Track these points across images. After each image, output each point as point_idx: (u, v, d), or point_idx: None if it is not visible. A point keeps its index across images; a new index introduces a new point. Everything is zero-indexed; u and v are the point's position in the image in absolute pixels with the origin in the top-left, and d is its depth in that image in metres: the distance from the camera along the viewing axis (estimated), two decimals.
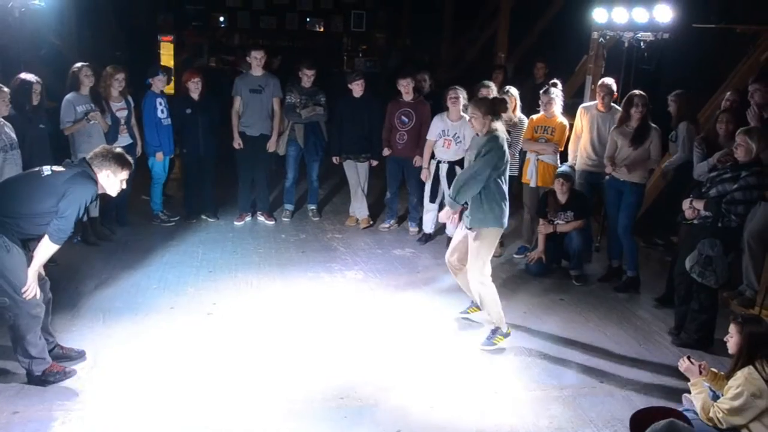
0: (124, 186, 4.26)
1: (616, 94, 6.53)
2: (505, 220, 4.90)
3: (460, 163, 6.67)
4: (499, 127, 4.82)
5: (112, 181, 4.14)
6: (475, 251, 4.84)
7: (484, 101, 4.95)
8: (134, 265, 6.10)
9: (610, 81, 6.55)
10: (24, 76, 5.69)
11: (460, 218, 5.02)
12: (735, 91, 6.05)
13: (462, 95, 6.61)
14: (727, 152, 5.28)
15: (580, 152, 6.62)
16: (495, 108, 4.82)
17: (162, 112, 6.99)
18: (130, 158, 4.23)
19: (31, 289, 3.99)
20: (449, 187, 6.74)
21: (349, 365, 4.60)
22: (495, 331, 4.91)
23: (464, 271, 5.10)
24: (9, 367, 4.30)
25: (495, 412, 4.12)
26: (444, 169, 6.73)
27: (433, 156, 6.80)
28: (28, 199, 3.93)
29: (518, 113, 6.74)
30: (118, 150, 4.20)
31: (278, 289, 5.78)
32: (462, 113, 6.61)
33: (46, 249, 3.99)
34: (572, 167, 6.49)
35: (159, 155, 7.03)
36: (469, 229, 4.86)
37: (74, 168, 4.06)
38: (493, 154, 4.69)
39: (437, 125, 6.71)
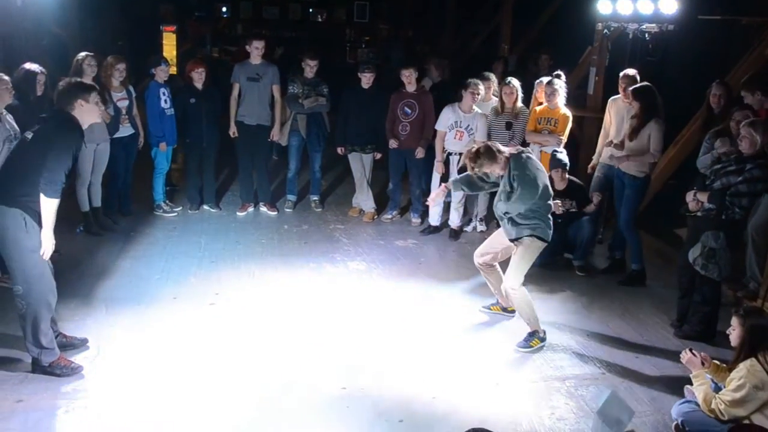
0: (102, 106, 4.22)
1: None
2: (550, 233, 4.82)
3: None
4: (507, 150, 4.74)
5: (87, 108, 4.10)
6: (518, 260, 4.78)
7: (475, 157, 4.66)
8: (137, 256, 6.11)
9: (633, 72, 6.40)
10: (28, 66, 5.67)
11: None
12: (719, 84, 5.98)
13: (482, 91, 6.64)
14: (721, 131, 5.30)
15: (606, 145, 6.49)
16: (490, 154, 4.64)
17: (165, 102, 6.97)
18: (88, 81, 4.21)
19: (48, 252, 3.98)
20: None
21: (352, 355, 4.61)
22: (532, 335, 4.84)
23: (495, 270, 5.13)
24: (13, 356, 4.32)
25: (497, 403, 4.13)
26: (455, 161, 6.72)
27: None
28: (26, 168, 3.92)
29: (519, 104, 6.71)
30: (72, 80, 4.16)
31: (280, 280, 5.79)
32: (474, 107, 6.61)
33: (46, 207, 3.93)
34: (560, 152, 6.42)
35: (162, 146, 7.03)
36: (516, 240, 4.79)
37: (49, 122, 4.03)
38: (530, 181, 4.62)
39: (448, 116, 6.67)
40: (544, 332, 4.86)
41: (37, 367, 4.16)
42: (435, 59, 8.31)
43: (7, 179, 4.01)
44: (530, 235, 4.73)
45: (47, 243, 3.99)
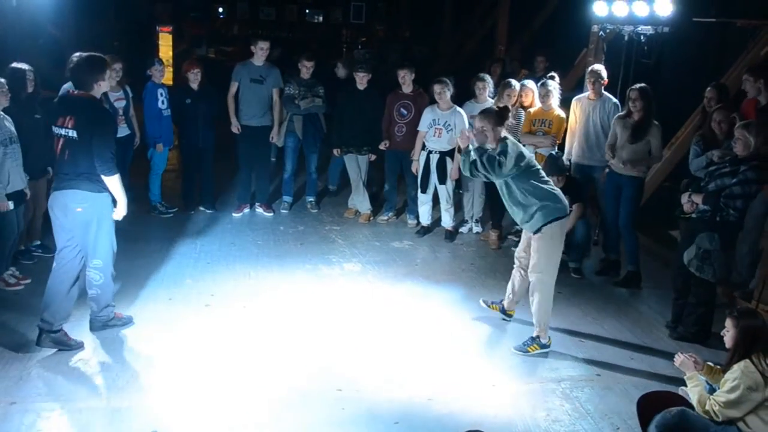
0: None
1: (606, 80, 6.46)
2: (563, 204, 4.66)
3: (451, 153, 6.69)
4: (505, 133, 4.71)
5: (104, 84, 4.43)
6: (545, 250, 4.64)
7: (490, 113, 4.73)
8: (132, 257, 6.07)
9: (599, 67, 6.49)
10: (16, 64, 5.61)
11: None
12: (714, 87, 6.02)
13: (447, 88, 6.66)
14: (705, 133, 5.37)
15: (574, 145, 6.58)
16: (502, 119, 4.69)
17: (162, 103, 6.97)
18: (99, 55, 4.45)
19: (121, 214, 4.54)
20: (438, 179, 6.77)
21: (348, 357, 4.60)
22: (533, 339, 4.78)
23: (523, 275, 4.99)
24: (6, 358, 4.31)
25: (493, 405, 4.13)
26: (434, 159, 6.75)
27: (423, 147, 6.81)
28: (89, 159, 4.31)
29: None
30: (82, 57, 4.34)
31: (276, 281, 5.78)
32: (451, 103, 6.69)
33: (110, 185, 4.39)
34: (558, 154, 6.43)
35: (159, 146, 7.02)
36: (536, 232, 4.67)
37: (82, 115, 4.26)
38: (509, 155, 4.52)
39: (427, 116, 6.76)
40: (549, 340, 4.80)
41: (96, 325, 4.67)
42: (344, 59, 8.72)
43: (90, 171, 4.31)
44: (546, 224, 4.59)
45: (122, 210, 4.53)
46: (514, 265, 5.13)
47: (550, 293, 4.75)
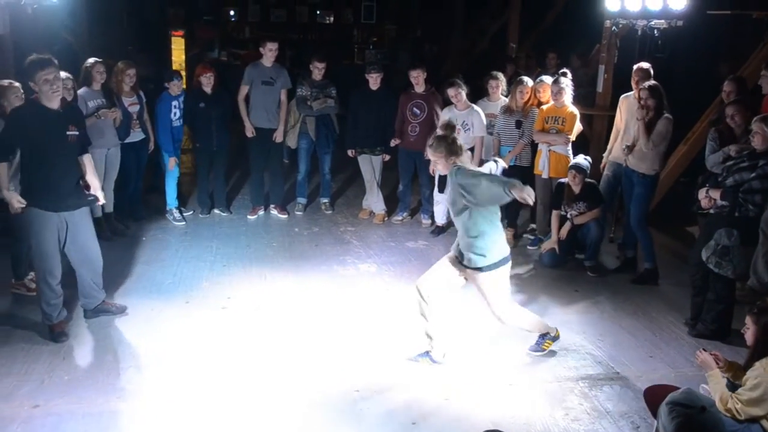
0: (60, 89, 4.50)
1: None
2: (505, 252, 4.33)
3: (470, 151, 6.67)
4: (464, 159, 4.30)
5: (41, 90, 4.41)
6: (491, 293, 4.40)
7: (442, 143, 4.28)
8: (149, 260, 6.14)
9: (647, 65, 6.32)
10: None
11: None
12: (732, 80, 5.94)
13: (461, 88, 6.65)
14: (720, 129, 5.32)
15: (616, 144, 6.41)
16: (454, 148, 4.25)
17: (175, 114, 7.01)
18: (34, 58, 4.45)
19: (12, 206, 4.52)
20: None
21: (365, 358, 4.61)
22: (544, 336, 4.71)
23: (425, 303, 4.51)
24: (29, 362, 4.35)
25: (510, 405, 4.12)
26: None
27: None
28: None
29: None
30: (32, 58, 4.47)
31: (292, 283, 5.80)
32: (468, 102, 6.68)
33: None
34: (586, 158, 6.39)
35: (172, 162, 7.03)
36: (474, 269, 4.33)
37: None
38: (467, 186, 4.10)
39: (444, 117, 6.71)
40: (557, 330, 4.76)
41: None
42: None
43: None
44: (488, 269, 4.28)
45: (9, 203, 4.50)
46: (420, 303, 4.56)
47: (519, 311, 4.62)
